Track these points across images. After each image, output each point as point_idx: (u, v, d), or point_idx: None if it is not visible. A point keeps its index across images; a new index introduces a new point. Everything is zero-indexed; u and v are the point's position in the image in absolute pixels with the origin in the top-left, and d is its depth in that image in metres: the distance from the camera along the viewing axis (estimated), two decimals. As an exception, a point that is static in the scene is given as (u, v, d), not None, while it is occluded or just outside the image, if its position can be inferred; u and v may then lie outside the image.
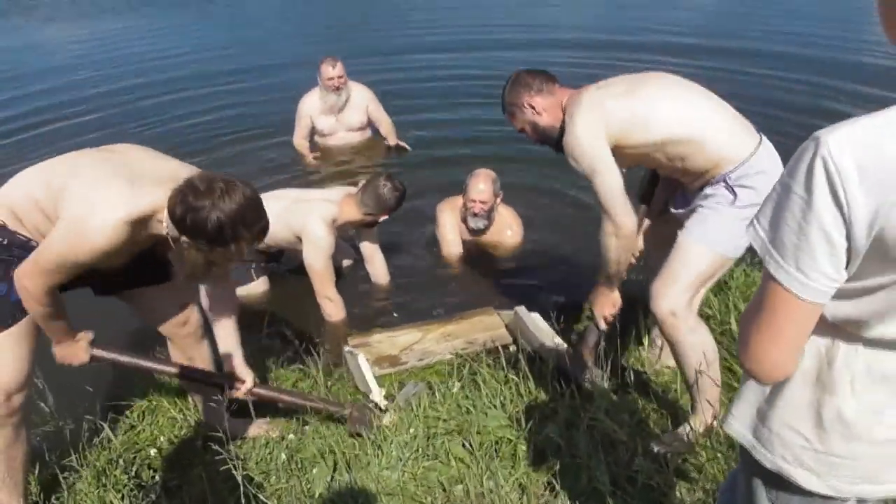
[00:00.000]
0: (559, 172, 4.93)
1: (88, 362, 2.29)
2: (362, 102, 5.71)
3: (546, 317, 3.15)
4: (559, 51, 8.98)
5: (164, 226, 2.01)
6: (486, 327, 3.33)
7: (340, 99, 5.56)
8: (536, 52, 8.82)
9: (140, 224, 1.98)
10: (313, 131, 5.76)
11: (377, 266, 3.91)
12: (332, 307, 3.52)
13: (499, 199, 4.08)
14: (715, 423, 2.36)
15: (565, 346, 2.94)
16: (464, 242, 4.22)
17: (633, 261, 2.71)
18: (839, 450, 1.09)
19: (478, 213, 4.01)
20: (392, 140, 5.80)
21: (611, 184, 2.28)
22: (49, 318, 2.07)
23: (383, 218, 3.60)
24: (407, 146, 5.81)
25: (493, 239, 4.24)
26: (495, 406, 2.59)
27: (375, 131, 5.92)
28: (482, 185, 3.96)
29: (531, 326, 3.07)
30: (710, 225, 2.27)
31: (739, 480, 1.31)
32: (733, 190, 2.22)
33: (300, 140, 5.75)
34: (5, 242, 2.06)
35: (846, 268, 0.95)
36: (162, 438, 2.67)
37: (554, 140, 2.45)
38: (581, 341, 2.83)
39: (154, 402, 2.82)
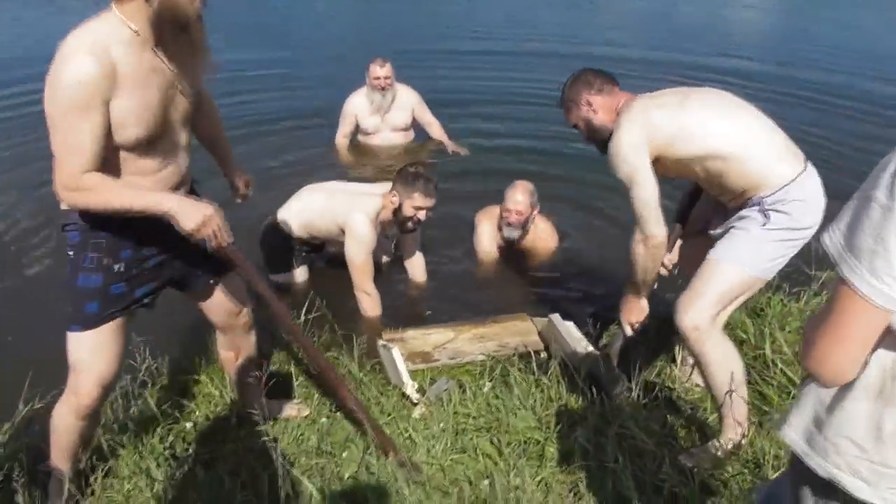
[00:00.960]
0: (599, 191, 4.99)
1: (224, 242, 2.02)
2: (408, 104, 5.81)
3: (580, 325, 3.18)
4: (611, 65, 8.97)
5: None
6: (518, 332, 3.37)
7: (386, 99, 5.66)
8: (589, 63, 8.85)
9: None
10: (357, 130, 5.86)
11: (416, 265, 3.97)
12: (369, 301, 3.59)
13: (535, 211, 4.13)
14: (743, 441, 2.37)
15: (598, 355, 2.97)
16: (499, 250, 4.27)
17: (665, 272, 2.74)
18: (894, 461, 1.11)
19: (512, 223, 4.06)
20: (447, 142, 5.86)
21: (646, 195, 2.34)
22: (120, 192, 1.87)
23: (421, 206, 3.52)
24: (463, 150, 5.86)
25: (528, 247, 4.29)
26: (525, 408, 2.62)
27: (419, 133, 6.00)
28: (520, 196, 4.02)
29: (565, 334, 3.10)
30: (738, 244, 2.31)
31: (785, 490, 1.32)
32: (766, 213, 2.25)
33: (342, 139, 5.85)
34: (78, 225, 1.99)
35: None
36: (198, 413, 2.75)
37: (602, 141, 2.50)
38: (608, 346, 2.87)
39: (191, 378, 2.90)
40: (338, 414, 2.71)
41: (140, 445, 2.48)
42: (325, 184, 3.85)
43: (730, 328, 2.81)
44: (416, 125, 5.99)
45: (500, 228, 4.19)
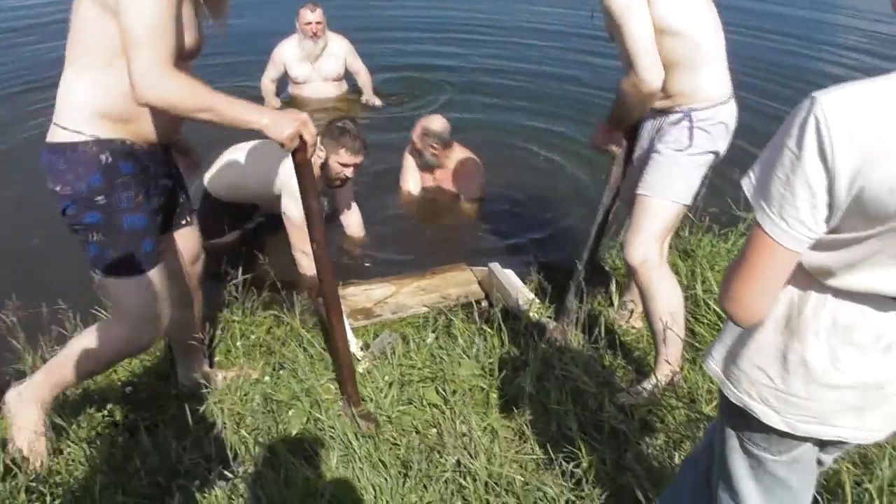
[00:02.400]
0: (530, 138, 5.04)
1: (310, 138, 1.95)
2: (340, 52, 5.66)
3: (519, 272, 3.23)
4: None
5: None
6: (459, 283, 3.39)
7: (317, 46, 5.50)
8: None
9: None
10: (287, 79, 5.69)
11: (352, 219, 3.93)
12: (308, 261, 3.51)
13: (435, 150, 4.28)
14: (677, 377, 2.48)
15: (538, 301, 3.03)
16: (427, 188, 4.48)
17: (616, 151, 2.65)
18: (799, 391, 1.18)
19: (420, 149, 4.29)
20: (368, 92, 5.77)
21: (640, 31, 2.17)
22: (208, 96, 1.78)
23: (347, 163, 3.49)
24: (378, 103, 5.77)
25: (451, 177, 4.41)
26: (468, 357, 2.66)
27: (352, 85, 5.88)
28: (416, 128, 4.29)
29: (505, 282, 3.14)
30: (666, 175, 2.37)
31: (718, 423, 1.40)
32: (692, 132, 2.30)
33: (268, 82, 5.64)
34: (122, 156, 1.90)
35: (827, 221, 1.04)
36: (136, 379, 2.69)
37: None
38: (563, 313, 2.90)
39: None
40: (281, 372, 2.69)
41: (78, 415, 2.41)
42: (248, 144, 3.65)
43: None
44: (348, 76, 5.85)
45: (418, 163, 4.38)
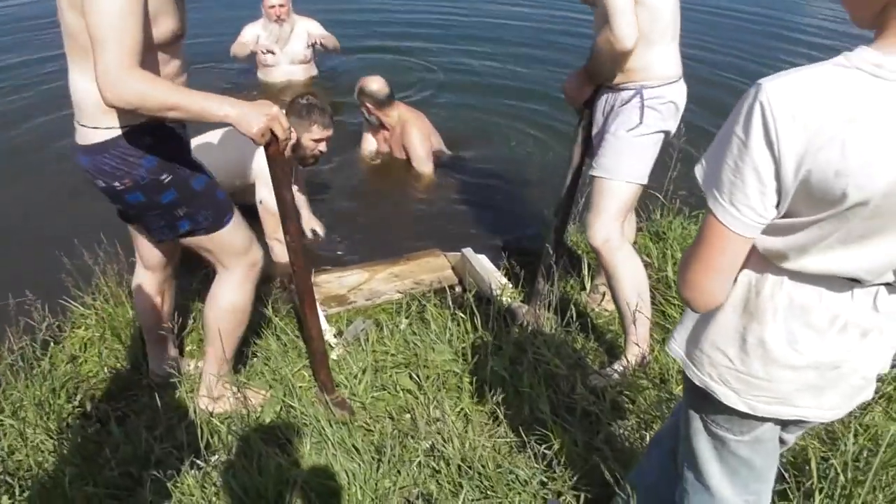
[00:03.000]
0: (501, 118, 5.05)
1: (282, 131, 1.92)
2: (305, 32, 5.57)
3: (492, 256, 3.25)
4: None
5: None
6: (432, 268, 3.39)
7: (284, 31, 5.43)
8: None
9: None
10: (255, 64, 5.62)
11: (302, 205, 3.87)
12: (282, 248, 3.48)
13: (372, 109, 4.40)
14: (647, 358, 2.51)
15: (511, 285, 3.04)
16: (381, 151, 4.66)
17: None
18: (758, 372, 1.20)
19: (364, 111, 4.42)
20: (330, 42, 5.63)
21: None
22: (172, 92, 1.76)
23: (320, 138, 3.46)
24: (336, 44, 5.68)
25: (403, 141, 4.51)
26: (442, 342, 2.66)
27: (321, 67, 5.81)
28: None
29: (478, 267, 3.15)
30: (619, 156, 2.40)
31: (682, 404, 1.42)
32: (643, 110, 2.33)
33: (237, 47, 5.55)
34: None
35: (777, 206, 1.05)
36: (106, 370, 2.66)
37: None
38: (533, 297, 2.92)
39: (95, 333, 2.79)
40: (254, 360, 2.68)
41: (46, 406, 2.38)
42: (219, 131, 3.57)
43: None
44: (318, 59, 5.78)
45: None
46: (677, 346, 1.33)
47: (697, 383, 1.27)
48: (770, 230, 1.09)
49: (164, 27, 1.82)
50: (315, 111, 3.39)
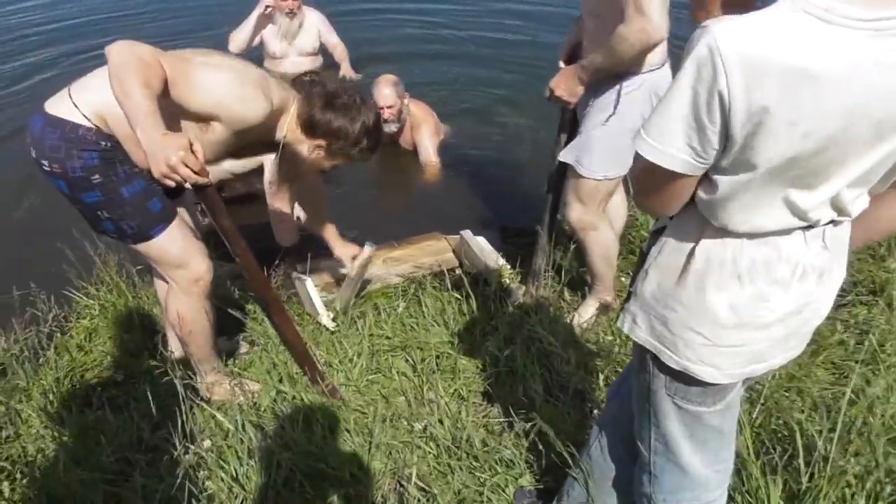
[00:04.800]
0: (500, 105, 5.01)
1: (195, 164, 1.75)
2: (314, 27, 5.60)
3: (491, 237, 3.24)
4: None
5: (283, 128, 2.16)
6: (433, 252, 3.38)
7: (294, 24, 5.44)
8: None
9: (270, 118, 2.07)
10: (263, 53, 5.64)
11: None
12: (285, 230, 3.52)
13: (406, 100, 4.28)
14: (609, 297, 2.75)
15: (508, 266, 3.03)
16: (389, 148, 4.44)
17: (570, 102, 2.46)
18: (734, 340, 1.19)
19: (389, 119, 4.16)
20: (345, 66, 5.72)
21: None
22: (145, 91, 1.73)
23: None
24: (356, 76, 5.73)
25: (411, 138, 4.43)
26: (438, 324, 2.67)
27: (328, 58, 5.82)
28: (385, 90, 4.15)
29: (475, 249, 3.14)
30: (589, 149, 2.37)
31: (633, 381, 1.40)
32: (619, 99, 2.26)
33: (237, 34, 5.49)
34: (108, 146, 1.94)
35: (723, 151, 1.03)
36: (109, 358, 2.70)
37: None
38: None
39: (99, 323, 2.84)
40: (255, 348, 2.70)
41: (50, 394, 2.43)
42: None
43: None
44: (323, 49, 5.79)
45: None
46: (646, 334, 1.29)
47: (675, 366, 1.25)
48: (713, 191, 1.09)
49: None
50: (317, 87, 3.41)
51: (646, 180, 1.15)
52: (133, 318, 2.80)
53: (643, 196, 1.20)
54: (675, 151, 1.05)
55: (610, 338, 2.60)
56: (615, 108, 2.28)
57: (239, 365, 2.59)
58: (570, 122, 2.56)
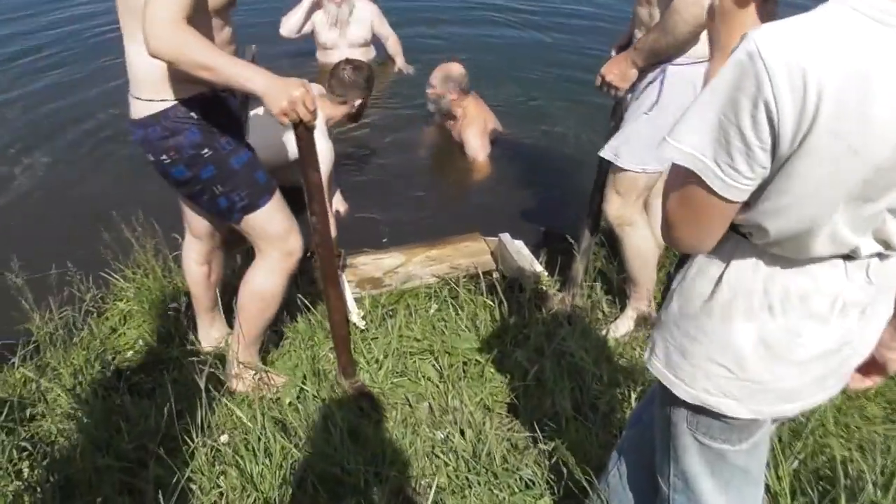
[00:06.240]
0: (555, 107, 4.91)
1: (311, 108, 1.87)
2: (367, 17, 5.56)
3: (531, 241, 3.15)
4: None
5: None
6: (471, 253, 3.31)
7: (342, 11, 5.41)
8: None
9: None
10: (315, 45, 5.64)
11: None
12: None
13: (452, 96, 4.35)
14: (648, 308, 2.67)
15: (546, 272, 2.94)
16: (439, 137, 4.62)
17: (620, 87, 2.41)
18: (762, 374, 1.10)
19: (428, 97, 4.42)
20: (399, 60, 5.68)
21: None
22: (212, 53, 1.76)
23: (361, 104, 3.55)
24: (410, 70, 5.68)
25: (462, 131, 4.46)
26: (469, 329, 2.60)
27: (380, 50, 5.79)
28: (436, 74, 4.37)
29: (513, 252, 3.06)
30: (629, 141, 2.32)
31: (656, 411, 1.31)
32: (661, 90, 2.19)
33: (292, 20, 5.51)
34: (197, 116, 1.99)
35: (767, 169, 0.92)
36: (140, 342, 2.72)
37: None
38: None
39: (134, 306, 2.85)
40: (286, 342, 2.68)
41: (80, 375, 2.45)
42: (256, 110, 3.57)
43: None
44: (376, 41, 5.76)
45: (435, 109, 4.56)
46: (659, 363, 1.21)
47: (692, 401, 1.16)
48: (754, 207, 0.98)
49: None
50: (357, 71, 3.48)
51: (679, 204, 1.02)
52: (166, 303, 2.80)
53: (673, 225, 1.05)
54: (726, 176, 0.93)
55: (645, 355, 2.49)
56: (657, 98, 2.22)
57: (272, 355, 2.57)
58: (618, 115, 2.49)
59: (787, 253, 1.01)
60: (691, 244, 1.06)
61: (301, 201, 2.11)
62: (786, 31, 0.85)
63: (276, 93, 1.81)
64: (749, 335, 1.07)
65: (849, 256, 1.01)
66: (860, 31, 0.83)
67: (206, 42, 1.77)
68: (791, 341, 1.06)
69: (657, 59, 2.20)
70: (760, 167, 0.92)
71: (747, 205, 0.99)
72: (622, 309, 2.78)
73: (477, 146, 4.38)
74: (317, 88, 3.52)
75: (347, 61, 3.55)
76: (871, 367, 1.22)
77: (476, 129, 4.42)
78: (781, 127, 0.86)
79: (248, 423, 2.09)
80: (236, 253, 2.90)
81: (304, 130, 1.94)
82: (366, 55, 5.71)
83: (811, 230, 0.96)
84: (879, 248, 1.00)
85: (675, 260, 2.92)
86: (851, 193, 0.91)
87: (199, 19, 1.80)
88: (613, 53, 2.40)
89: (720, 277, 1.08)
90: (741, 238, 1.05)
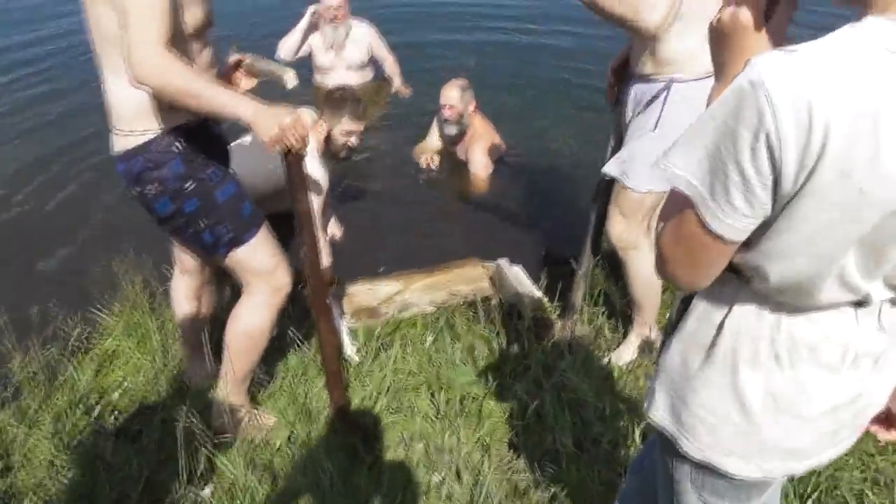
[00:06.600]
0: (555, 126, 4.83)
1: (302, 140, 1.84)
2: (364, 39, 5.50)
3: (531, 266, 3.06)
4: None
5: None
6: (469, 279, 3.21)
7: (339, 33, 5.35)
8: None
9: None
10: (312, 68, 5.58)
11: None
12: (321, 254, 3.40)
13: (471, 108, 4.27)
14: (653, 334, 2.57)
15: (546, 299, 2.84)
16: (444, 152, 4.50)
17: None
18: (770, 430, 1.00)
19: (448, 119, 4.21)
20: (397, 81, 5.61)
21: None
22: (198, 80, 1.72)
23: (351, 130, 3.29)
24: (408, 92, 5.60)
25: (468, 147, 4.38)
26: (465, 362, 2.50)
27: (378, 72, 5.72)
28: (452, 91, 4.16)
29: (512, 279, 2.96)
30: (632, 160, 2.24)
31: (658, 462, 1.21)
32: (664, 108, 2.12)
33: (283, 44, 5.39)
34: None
35: (769, 211, 0.83)
36: (127, 382, 2.63)
37: None
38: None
39: (121, 344, 2.76)
40: (277, 379, 2.58)
41: (64, 419, 2.36)
42: (245, 138, 3.40)
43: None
44: (374, 64, 5.70)
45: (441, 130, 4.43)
46: (661, 412, 1.11)
47: (696, 457, 1.06)
48: (755, 250, 0.89)
49: (194, 14, 1.80)
50: (346, 103, 3.29)
51: (673, 240, 0.94)
52: (154, 339, 2.71)
53: (668, 261, 0.98)
54: (726, 215, 0.85)
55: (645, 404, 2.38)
56: (659, 117, 2.14)
57: (262, 394, 2.48)
58: (618, 134, 2.42)
59: (791, 300, 0.92)
60: (687, 281, 0.97)
61: (292, 229, 2.02)
62: (793, 59, 0.76)
63: (265, 121, 1.76)
64: (756, 387, 0.97)
65: (859, 303, 0.91)
66: (874, 62, 0.74)
67: (189, 69, 1.71)
68: (800, 395, 0.96)
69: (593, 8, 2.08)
70: (760, 205, 0.83)
71: (747, 244, 0.89)
72: (625, 334, 2.68)
73: (483, 163, 4.32)
74: (308, 113, 3.42)
75: (341, 88, 3.45)
76: (892, 417, 1.12)
77: (483, 146, 4.36)
78: (784, 163, 0.77)
79: (232, 473, 1.98)
80: (226, 286, 2.82)
81: (294, 159, 1.87)
82: (363, 77, 5.66)
83: (817, 276, 0.87)
84: (891, 294, 0.91)
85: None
86: (861, 238, 0.82)
87: (177, 44, 1.73)
88: (611, 77, 2.39)
89: (722, 324, 0.98)
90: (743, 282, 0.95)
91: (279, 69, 2.27)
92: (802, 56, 0.76)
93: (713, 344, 1.00)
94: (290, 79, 2.27)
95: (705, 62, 2.07)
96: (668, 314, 2.72)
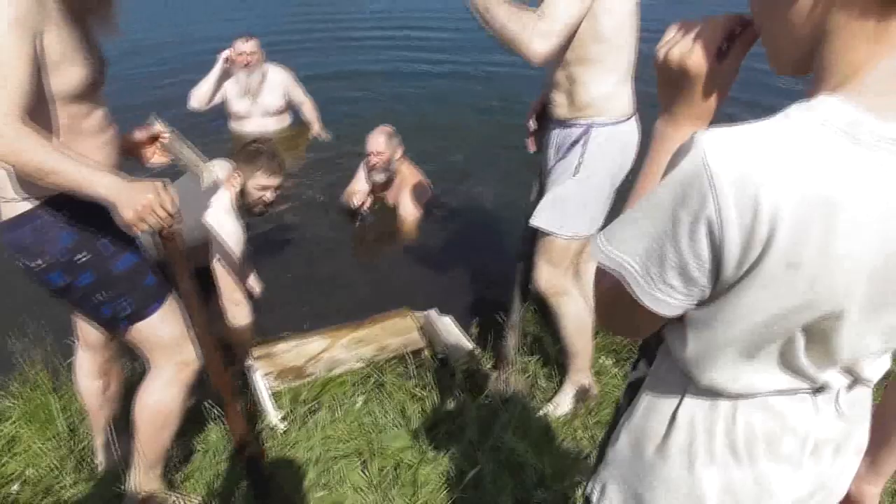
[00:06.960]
0: (479, 168, 4.81)
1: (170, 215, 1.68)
2: (279, 84, 5.38)
3: (462, 316, 2.98)
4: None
5: None
6: (398, 331, 3.11)
7: (252, 78, 5.21)
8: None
9: None
10: (228, 115, 5.42)
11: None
12: (241, 312, 3.22)
13: (398, 155, 4.23)
14: (587, 381, 2.55)
15: (479, 350, 2.77)
16: (369, 197, 4.37)
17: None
18: None
19: (376, 166, 4.16)
20: (316, 126, 5.50)
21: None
22: (52, 154, 1.53)
23: (266, 185, 3.14)
24: (326, 136, 5.51)
25: (398, 193, 4.34)
26: (398, 425, 2.38)
27: (296, 118, 5.61)
28: (379, 138, 4.13)
29: (443, 332, 2.88)
30: (553, 207, 2.22)
31: None
32: (585, 152, 2.11)
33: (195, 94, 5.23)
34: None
35: (706, 295, 0.77)
36: (28, 472, 2.39)
37: None
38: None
39: (17, 430, 2.52)
40: (196, 456, 2.40)
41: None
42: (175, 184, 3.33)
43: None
44: (292, 109, 5.58)
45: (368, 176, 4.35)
46: None
47: None
48: (696, 342, 0.83)
49: (70, 76, 1.61)
50: (262, 156, 3.13)
51: (610, 300, 0.88)
52: (58, 423, 2.49)
53: (605, 317, 0.92)
54: (660, 292, 0.78)
55: (587, 439, 2.32)
56: (580, 161, 2.12)
57: (181, 472, 2.29)
58: (541, 180, 2.39)
59: (735, 388, 0.85)
60: (626, 335, 0.94)
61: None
62: (740, 139, 0.69)
63: (125, 199, 1.60)
64: (712, 483, 0.90)
65: (817, 388, 0.86)
66: (827, 147, 0.68)
67: (45, 145, 1.53)
68: (761, 491, 0.89)
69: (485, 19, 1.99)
70: (698, 288, 0.76)
71: (691, 336, 0.83)
72: (560, 382, 2.62)
73: (412, 209, 4.27)
74: (219, 165, 3.26)
75: (256, 140, 3.30)
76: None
77: (412, 192, 4.31)
78: (725, 250, 0.71)
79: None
80: (137, 360, 2.62)
81: (167, 235, 1.72)
82: (281, 123, 5.54)
83: (761, 362, 0.81)
84: (848, 381, 0.86)
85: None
86: (811, 329, 0.76)
87: (45, 110, 1.58)
88: (531, 124, 2.36)
89: (674, 416, 0.91)
90: None
91: (198, 163, 2.14)
92: (751, 136, 0.70)
93: (665, 437, 0.93)
94: (207, 177, 2.15)
95: (623, 105, 2.10)
96: (599, 359, 2.71)
